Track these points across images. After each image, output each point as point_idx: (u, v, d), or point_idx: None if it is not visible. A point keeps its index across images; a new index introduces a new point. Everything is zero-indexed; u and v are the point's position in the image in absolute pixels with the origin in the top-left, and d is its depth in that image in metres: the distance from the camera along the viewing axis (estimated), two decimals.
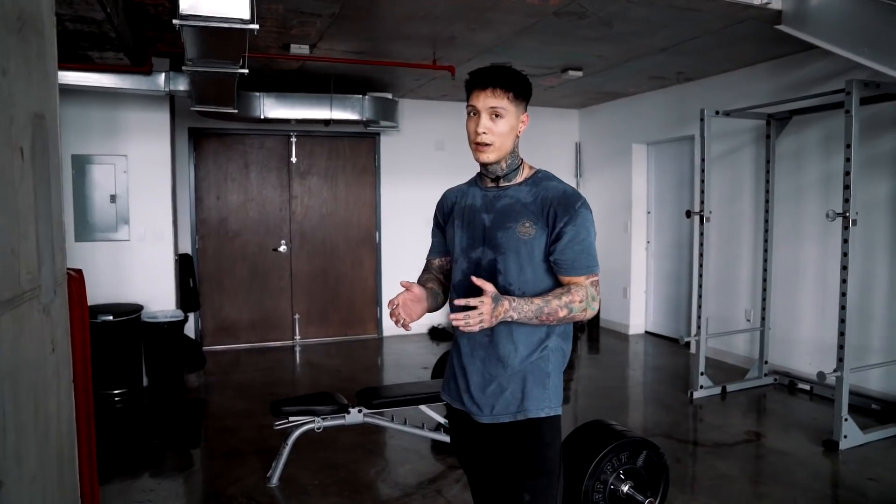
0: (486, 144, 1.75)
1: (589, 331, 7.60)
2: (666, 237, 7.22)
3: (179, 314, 5.49)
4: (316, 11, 4.24)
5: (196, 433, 4.53)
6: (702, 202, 5.12)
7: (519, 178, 1.84)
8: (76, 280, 1.99)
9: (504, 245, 1.78)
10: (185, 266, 6.42)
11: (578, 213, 1.75)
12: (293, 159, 7.09)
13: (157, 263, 5.63)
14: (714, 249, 5.85)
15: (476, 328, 1.58)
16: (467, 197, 1.90)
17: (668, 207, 7.13)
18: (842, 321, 4.01)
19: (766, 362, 5.37)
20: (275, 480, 3.49)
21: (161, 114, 5.60)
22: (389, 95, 6.52)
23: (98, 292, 5.19)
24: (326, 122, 6.27)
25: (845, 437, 3.94)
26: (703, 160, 5.09)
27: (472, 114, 1.78)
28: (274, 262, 7.07)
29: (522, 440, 1.78)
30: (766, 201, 5.41)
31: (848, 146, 3.94)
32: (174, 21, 2.97)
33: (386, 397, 3.74)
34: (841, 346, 4.00)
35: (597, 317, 7.62)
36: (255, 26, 3.08)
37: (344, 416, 3.66)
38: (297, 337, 7.18)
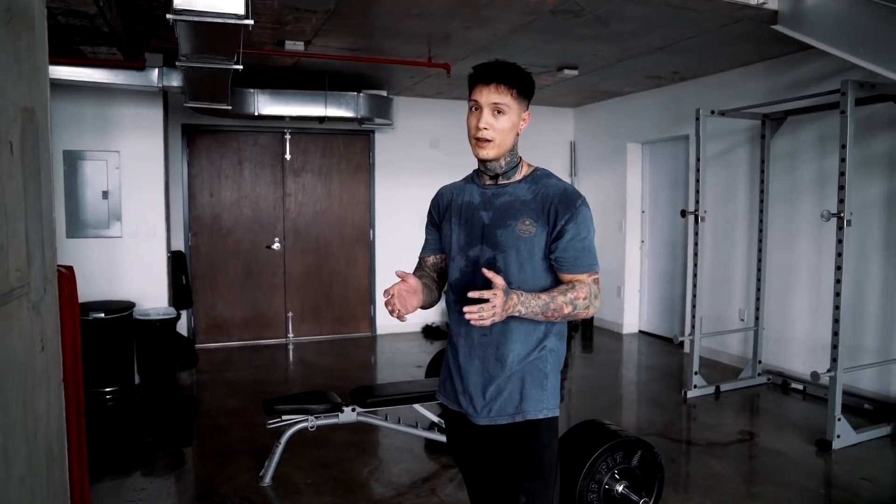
0: (487, 140, 1.73)
1: (583, 330, 7.60)
2: (660, 236, 7.23)
3: (172, 311, 5.46)
4: (311, 8, 4.21)
5: (188, 431, 4.51)
6: (696, 202, 5.13)
7: (518, 176, 1.81)
8: (67, 277, 1.96)
9: (503, 243, 1.76)
10: (177, 263, 6.38)
11: (579, 210, 1.73)
12: (287, 156, 7.06)
13: (150, 260, 5.60)
14: (708, 249, 5.86)
15: (488, 322, 1.55)
16: (464, 194, 1.87)
17: (663, 207, 7.13)
18: (835, 321, 4.02)
19: (760, 362, 5.38)
20: (267, 479, 3.47)
21: (154, 110, 5.56)
22: (384, 93, 6.50)
23: (90, 289, 5.16)
24: (321, 119, 6.26)
25: (838, 436, 3.95)
26: (698, 160, 5.10)
27: (473, 108, 1.75)
28: (267, 259, 7.04)
29: (520, 442, 1.76)
30: (761, 201, 5.42)
31: (843, 147, 3.95)
32: (168, 16, 2.96)
33: (380, 396, 3.72)
34: (834, 346, 4.01)
35: (591, 316, 7.60)
36: (250, 22, 3.07)
37: (337, 415, 3.64)
38: (291, 335, 7.15)
